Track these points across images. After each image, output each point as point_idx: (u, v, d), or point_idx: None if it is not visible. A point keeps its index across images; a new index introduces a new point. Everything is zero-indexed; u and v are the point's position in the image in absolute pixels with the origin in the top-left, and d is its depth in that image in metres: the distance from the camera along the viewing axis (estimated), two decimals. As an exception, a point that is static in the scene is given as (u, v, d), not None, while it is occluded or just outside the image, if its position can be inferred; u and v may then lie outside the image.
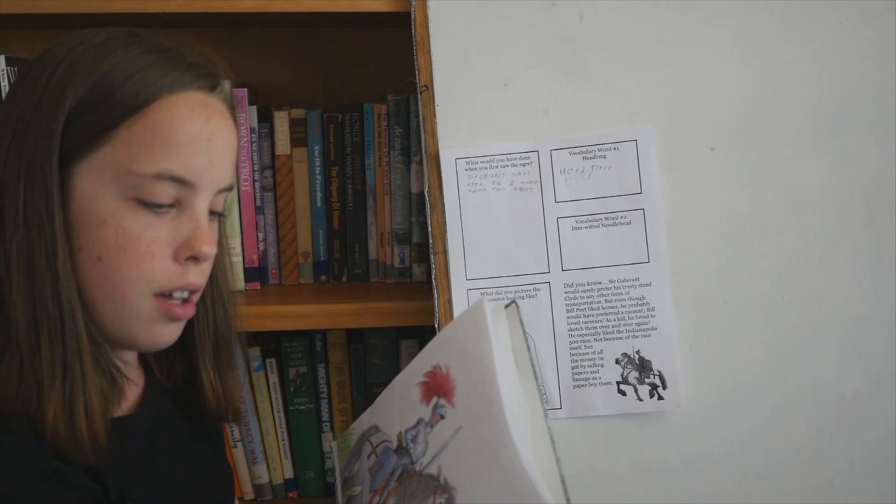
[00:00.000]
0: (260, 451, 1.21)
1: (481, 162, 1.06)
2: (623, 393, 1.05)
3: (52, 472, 0.68)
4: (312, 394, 1.22)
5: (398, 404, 0.85)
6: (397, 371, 1.22)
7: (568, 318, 1.06)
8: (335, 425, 1.22)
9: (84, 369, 0.69)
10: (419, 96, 1.06)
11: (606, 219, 1.06)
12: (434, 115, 1.06)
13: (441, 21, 1.05)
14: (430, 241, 1.07)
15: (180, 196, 0.72)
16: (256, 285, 1.21)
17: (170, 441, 0.83)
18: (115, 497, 0.72)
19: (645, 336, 1.05)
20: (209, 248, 0.73)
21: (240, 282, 1.19)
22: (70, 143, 0.69)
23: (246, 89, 1.16)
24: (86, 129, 0.69)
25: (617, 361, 1.06)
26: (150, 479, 0.78)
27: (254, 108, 1.18)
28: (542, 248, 1.06)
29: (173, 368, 0.85)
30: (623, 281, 1.05)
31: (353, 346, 1.23)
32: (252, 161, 1.18)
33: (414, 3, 1.05)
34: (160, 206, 0.71)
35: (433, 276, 1.06)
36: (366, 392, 1.22)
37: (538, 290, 1.06)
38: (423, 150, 1.07)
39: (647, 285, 1.05)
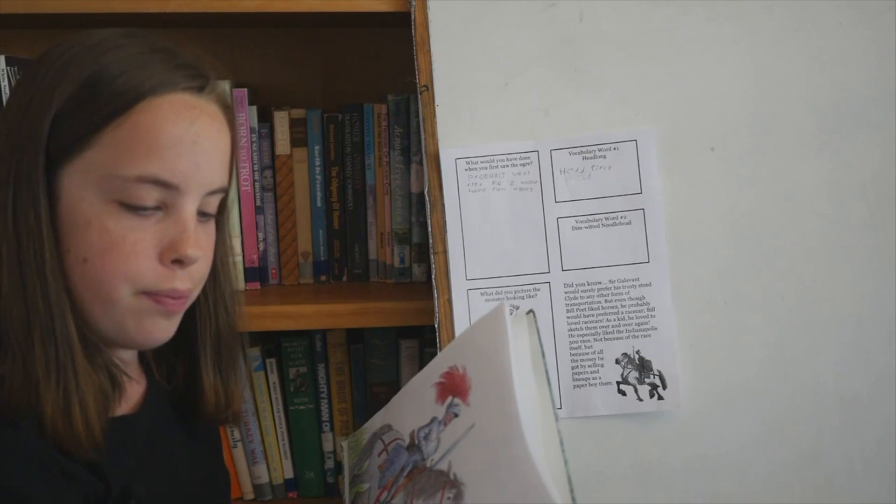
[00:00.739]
0: (260, 451, 1.21)
1: (481, 162, 1.06)
2: (623, 393, 1.05)
3: (57, 468, 0.69)
4: (312, 394, 1.22)
5: (413, 404, 0.86)
6: (397, 371, 1.23)
7: (568, 318, 1.06)
8: (335, 425, 1.22)
9: (77, 369, 0.69)
10: (419, 96, 1.06)
11: (606, 219, 1.06)
12: (434, 115, 1.06)
13: (441, 21, 1.05)
14: (430, 241, 1.07)
15: (165, 199, 0.71)
16: (256, 285, 1.21)
17: (170, 441, 0.83)
18: (117, 494, 0.72)
19: (645, 336, 1.05)
20: (194, 252, 0.72)
21: (240, 282, 1.19)
22: (57, 146, 0.69)
23: (246, 89, 1.16)
24: (72, 131, 0.69)
25: (617, 361, 1.06)
26: (151, 478, 0.78)
27: (254, 108, 1.18)
28: (542, 248, 1.06)
29: (174, 370, 0.85)
30: (623, 281, 1.05)
31: (353, 346, 1.23)
32: (252, 161, 1.18)
33: (414, 3, 1.05)
34: (144, 209, 0.71)
35: (433, 276, 1.06)
36: (366, 392, 1.22)
37: (538, 290, 1.06)
38: (423, 150, 1.07)
39: (647, 285, 1.05)
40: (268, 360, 1.20)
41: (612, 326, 1.06)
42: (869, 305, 1.05)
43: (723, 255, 1.05)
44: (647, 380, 1.05)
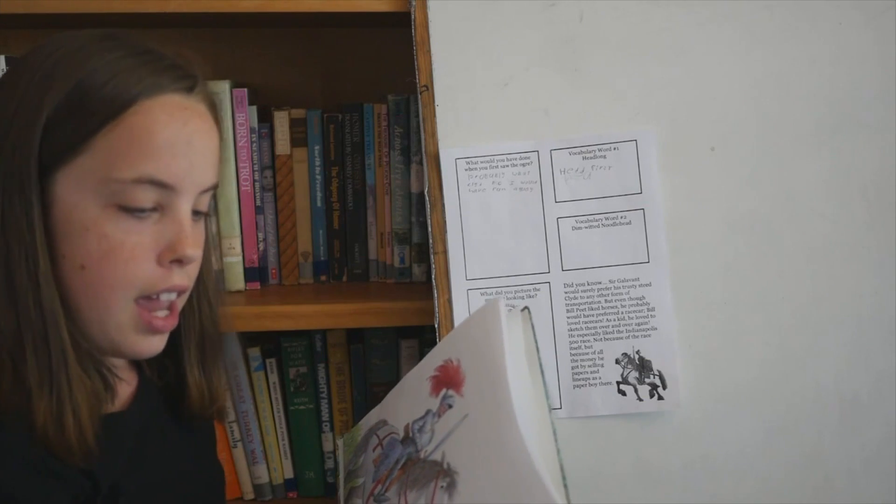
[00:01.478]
0: (260, 451, 1.21)
1: (481, 162, 1.06)
2: (623, 393, 1.05)
3: (44, 467, 0.68)
4: (312, 394, 1.22)
5: (407, 399, 0.86)
6: (397, 371, 1.23)
7: (568, 318, 1.06)
8: (335, 425, 1.22)
9: (70, 376, 0.69)
10: (419, 96, 1.06)
11: (606, 219, 1.06)
12: (434, 115, 1.06)
13: (441, 21, 1.05)
14: (430, 241, 1.07)
15: (162, 200, 0.72)
16: (256, 285, 1.21)
17: (161, 438, 0.83)
18: (106, 492, 0.72)
19: (645, 336, 1.05)
20: (193, 251, 0.73)
21: (240, 282, 1.19)
22: (49, 152, 0.69)
23: (246, 89, 1.16)
24: (64, 138, 0.69)
25: (617, 361, 1.06)
26: (141, 475, 0.78)
27: (254, 108, 1.18)
28: (541, 248, 1.06)
29: (164, 366, 0.85)
30: (623, 281, 1.05)
31: (353, 346, 1.23)
32: (252, 161, 1.18)
33: (414, 3, 1.05)
34: (142, 210, 0.71)
35: (433, 276, 1.06)
36: (366, 392, 1.22)
37: (538, 290, 1.06)
38: (423, 150, 1.07)
39: (647, 285, 1.05)
40: (268, 360, 1.20)
41: (612, 326, 1.06)
42: (869, 305, 1.05)
43: (723, 255, 1.05)
44: (647, 380, 1.05)
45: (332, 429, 1.22)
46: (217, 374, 0.86)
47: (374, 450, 0.87)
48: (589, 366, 1.06)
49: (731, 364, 1.06)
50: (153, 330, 0.74)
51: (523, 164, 1.06)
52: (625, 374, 1.06)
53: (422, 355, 1.22)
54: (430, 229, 1.07)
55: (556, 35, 1.05)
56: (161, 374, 0.85)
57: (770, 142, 1.05)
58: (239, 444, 1.21)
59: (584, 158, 1.06)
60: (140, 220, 0.71)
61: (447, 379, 0.82)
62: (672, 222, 1.05)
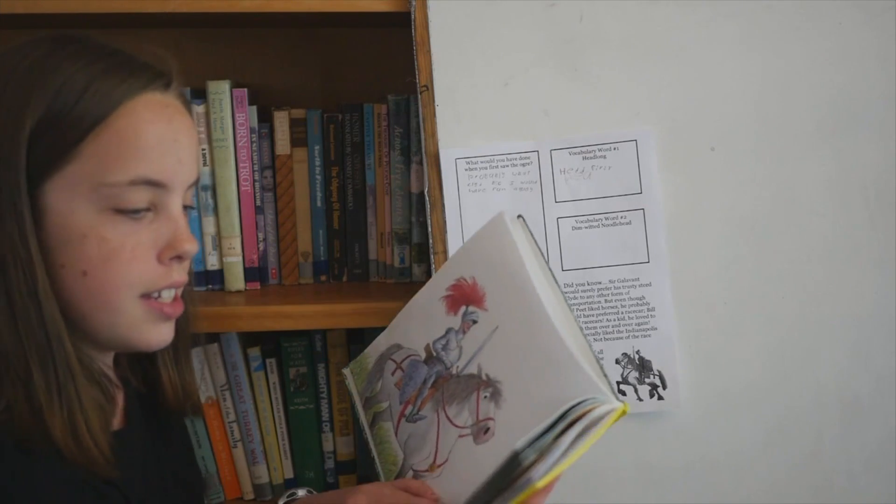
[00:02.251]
0: (260, 451, 1.21)
1: (481, 162, 1.06)
2: (623, 393, 1.05)
3: (82, 484, 0.70)
4: (312, 394, 1.22)
5: (420, 321, 0.88)
6: (397, 371, 1.22)
7: (568, 318, 1.06)
8: (335, 425, 1.22)
9: (78, 387, 0.70)
10: (419, 96, 1.06)
11: (606, 219, 1.06)
12: (434, 115, 1.06)
13: (441, 21, 1.05)
14: (430, 241, 1.06)
15: (155, 199, 0.72)
16: (256, 285, 1.21)
17: (153, 445, 0.84)
18: None
19: (645, 336, 1.05)
20: (192, 246, 0.74)
21: (240, 282, 1.19)
22: (36, 164, 0.68)
23: (246, 89, 1.16)
24: (50, 149, 0.68)
25: (617, 361, 1.06)
26: (154, 486, 0.79)
27: (254, 108, 1.18)
28: (541, 248, 1.06)
29: (138, 367, 0.86)
30: (623, 281, 1.05)
31: (353, 346, 1.22)
32: (252, 161, 1.18)
33: (414, 3, 1.05)
34: (137, 211, 0.71)
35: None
36: (366, 392, 1.23)
37: (538, 290, 1.06)
38: (423, 150, 1.07)
39: (647, 285, 1.05)
40: (268, 360, 1.20)
41: (612, 326, 1.06)
42: (869, 305, 1.05)
43: (723, 255, 1.05)
44: (647, 380, 1.05)
45: (332, 429, 1.22)
46: (189, 370, 0.88)
47: (393, 374, 0.88)
48: (589, 366, 1.06)
49: (731, 364, 1.06)
50: (165, 316, 0.75)
51: (523, 164, 1.06)
52: (625, 374, 1.06)
53: (422, 355, 1.22)
54: (430, 229, 1.07)
55: (556, 35, 1.05)
56: (135, 374, 0.86)
57: (770, 142, 1.05)
58: (239, 444, 1.21)
59: (584, 158, 1.06)
60: (136, 220, 0.71)
61: (464, 296, 0.84)
62: (672, 222, 1.05)
